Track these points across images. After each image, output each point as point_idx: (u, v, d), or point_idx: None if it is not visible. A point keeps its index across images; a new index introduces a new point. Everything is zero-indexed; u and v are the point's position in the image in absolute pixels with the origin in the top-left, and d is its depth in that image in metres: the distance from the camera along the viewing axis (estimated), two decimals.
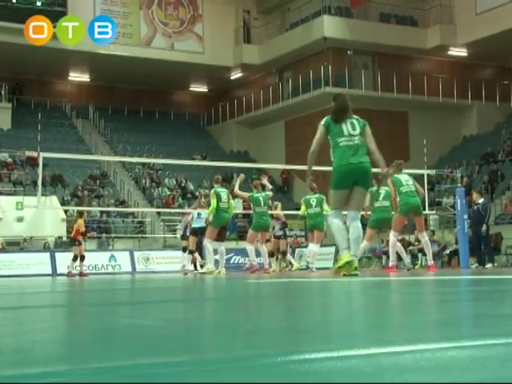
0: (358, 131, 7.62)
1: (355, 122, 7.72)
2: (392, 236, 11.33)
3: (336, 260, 8.47)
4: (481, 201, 16.98)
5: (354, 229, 7.56)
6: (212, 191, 14.21)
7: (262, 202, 13.84)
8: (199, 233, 15.62)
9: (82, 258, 17.43)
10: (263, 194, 14.12)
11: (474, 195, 16.80)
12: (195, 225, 15.77)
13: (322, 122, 7.85)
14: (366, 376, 1.25)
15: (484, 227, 16.87)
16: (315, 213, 14.55)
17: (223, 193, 13.92)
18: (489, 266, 16.49)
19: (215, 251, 14.41)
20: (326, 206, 13.84)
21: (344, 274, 7.35)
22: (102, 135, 33.91)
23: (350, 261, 7.28)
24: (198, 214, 15.93)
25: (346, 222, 7.82)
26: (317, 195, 14.73)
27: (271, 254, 16.35)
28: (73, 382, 1.21)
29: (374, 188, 11.30)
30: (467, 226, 15.60)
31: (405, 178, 11.64)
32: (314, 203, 14.67)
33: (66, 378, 1.24)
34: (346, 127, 7.62)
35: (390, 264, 11.40)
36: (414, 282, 6.91)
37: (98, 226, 25.88)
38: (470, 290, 5.30)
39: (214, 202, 13.56)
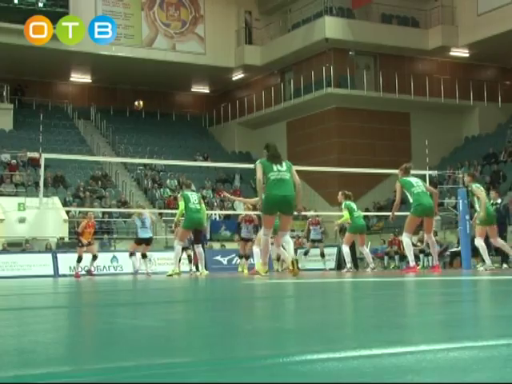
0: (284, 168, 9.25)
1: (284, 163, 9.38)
2: (405, 237, 11.33)
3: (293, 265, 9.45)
4: (499, 200, 16.77)
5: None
6: (179, 194, 14.30)
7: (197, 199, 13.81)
8: (144, 243, 16.41)
9: (94, 257, 17.65)
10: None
11: (493, 194, 16.63)
12: (141, 235, 16.38)
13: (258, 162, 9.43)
14: (368, 377, 1.25)
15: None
16: (358, 216, 15.30)
17: (192, 195, 13.77)
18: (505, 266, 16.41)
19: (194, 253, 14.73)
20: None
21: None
22: (104, 136, 33.92)
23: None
24: (143, 223, 16.35)
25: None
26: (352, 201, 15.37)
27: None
28: (75, 383, 1.22)
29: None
30: (469, 227, 15.56)
31: (414, 179, 11.70)
32: (355, 207, 15.42)
33: (68, 378, 1.24)
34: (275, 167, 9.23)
35: (411, 264, 11.37)
36: (416, 283, 6.91)
37: (99, 227, 25.88)
38: (471, 290, 5.30)
39: (181, 204, 13.52)
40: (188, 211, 13.43)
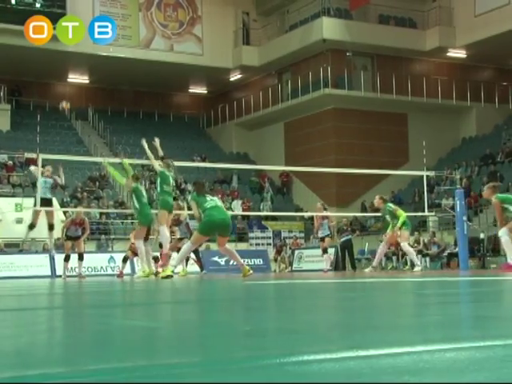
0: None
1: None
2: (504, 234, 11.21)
3: None
4: None
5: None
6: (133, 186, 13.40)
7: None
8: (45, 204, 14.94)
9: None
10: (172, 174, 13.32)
11: None
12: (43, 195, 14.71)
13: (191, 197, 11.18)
14: (365, 378, 1.25)
15: None
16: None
17: (140, 191, 13.36)
18: None
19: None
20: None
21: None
22: (101, 137, 33.91)
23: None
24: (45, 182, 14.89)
25: None
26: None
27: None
28: (72, 383, 1.21)
29: None
30: (466, 228, 15.59)
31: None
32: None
33: (64, 379, 1.24)
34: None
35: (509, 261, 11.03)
36: (412, 284, 6.91)
37: (97, 228, 25.87)
38: (468, 291, 5.31)
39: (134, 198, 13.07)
40: (144, 208, 13.38)
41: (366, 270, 16.07)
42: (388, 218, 14.79)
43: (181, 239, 15.80)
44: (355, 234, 21.93)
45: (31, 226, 15.71)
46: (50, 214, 15.65)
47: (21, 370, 1.37)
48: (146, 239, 14.02)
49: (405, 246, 14.71)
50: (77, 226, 16.10)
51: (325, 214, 17.19)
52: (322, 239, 17.41)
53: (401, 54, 31.19)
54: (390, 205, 14.95)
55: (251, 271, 10.56)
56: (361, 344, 1.64)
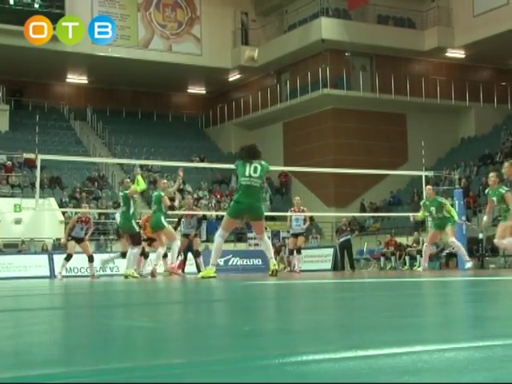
0: None
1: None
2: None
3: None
4: None
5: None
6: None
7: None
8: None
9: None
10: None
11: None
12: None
13: None
14: (364, 378, 1.25)
15: None
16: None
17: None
18: None
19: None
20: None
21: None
22: (100, 137, 33.90)
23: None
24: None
25: None
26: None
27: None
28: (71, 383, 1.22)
29: None
30: (465, 228, 15.59)
31: None
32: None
33: (64, 379, 1.24)
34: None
35: None
36: (411, 284, 6.92)
37: (96, 228, 25.84)
38: (467, 291, 5.31)
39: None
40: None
41: (419, 269, 15.67)
42: (433, 211, 14.23)
43: (186, 236, 15.83)
44: (354, 234, 21.95)
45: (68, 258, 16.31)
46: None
47: (20, 370, 1.37)
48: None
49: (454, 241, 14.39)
50: (83, 223, 16.11)
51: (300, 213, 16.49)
52: (295, 236, 16.50)
53: (399, 54, 31.19)
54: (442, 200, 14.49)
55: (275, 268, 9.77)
56: (360, 344, 1.64)
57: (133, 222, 13.55)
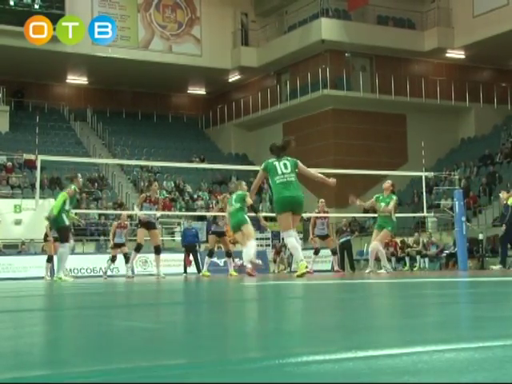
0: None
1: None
2: None
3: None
4: (510, 201, 16.34)
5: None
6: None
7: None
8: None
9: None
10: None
11: (505, 195, 16.42)
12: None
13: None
14: (364, 378, 1.25)
15: None
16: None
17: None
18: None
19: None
20: None
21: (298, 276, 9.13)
22: (100, 138, 33.91)
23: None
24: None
25: None
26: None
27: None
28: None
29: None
30: (465, 228, 15.58)
31: None
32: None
33: (64, 380, 1.24)
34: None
35: None
36: (410, 285, 6.91)
37: (96, 229, 25.87)
38: (467, 292, 5.31)
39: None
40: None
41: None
42: None
43: (220, 234, 15.92)
44: (354, 235, 21.93)
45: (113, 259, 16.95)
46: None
47: (20, 371, 1.37)
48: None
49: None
50: (122, 229, 16.95)
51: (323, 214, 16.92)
52: (322, 238, 17.07)
53: (399, 54, 31.20)
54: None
55: (307, 269, 9.66)
56: (360, 345, 1.64)
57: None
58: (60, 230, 12.88)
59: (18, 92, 33.58)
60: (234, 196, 13.52)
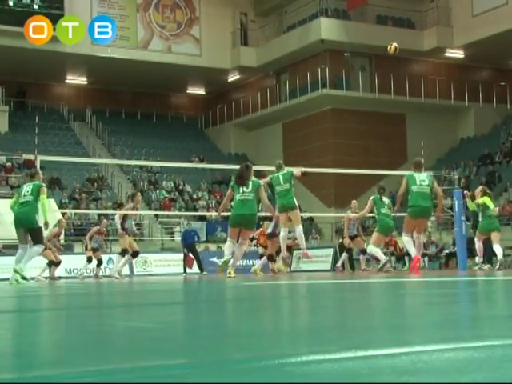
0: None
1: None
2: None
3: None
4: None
5: None
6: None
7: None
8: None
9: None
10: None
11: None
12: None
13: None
14: (364, 378, 1.26)
15: None
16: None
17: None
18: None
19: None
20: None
21: None
22: (100, 138, 33.90)
23: None
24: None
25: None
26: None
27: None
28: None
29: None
30: (465, 228, 15.58)
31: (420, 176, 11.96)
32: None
33: (64, 380, 1.24)
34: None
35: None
36: (410, 284, 6.92)
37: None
38: (467, 291, 5.31)
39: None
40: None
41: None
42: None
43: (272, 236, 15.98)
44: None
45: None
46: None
47: (20, 371, 1.37)
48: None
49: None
50: (100, 235, 17.18)
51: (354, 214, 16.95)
52: (352, 238, 17.31)
53: (399, 54, 31.08)
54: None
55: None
56: (359, 344, 1.64)
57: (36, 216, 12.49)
58: (36, 231, 12.56)
59: (20, 92, 33.57)
60: (280, 177, 13.52)
